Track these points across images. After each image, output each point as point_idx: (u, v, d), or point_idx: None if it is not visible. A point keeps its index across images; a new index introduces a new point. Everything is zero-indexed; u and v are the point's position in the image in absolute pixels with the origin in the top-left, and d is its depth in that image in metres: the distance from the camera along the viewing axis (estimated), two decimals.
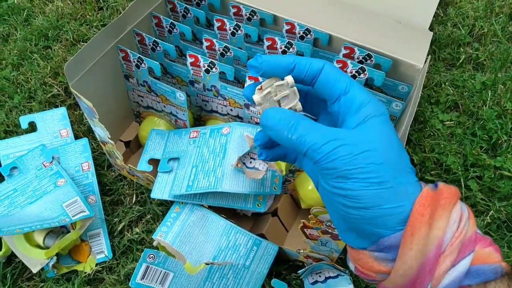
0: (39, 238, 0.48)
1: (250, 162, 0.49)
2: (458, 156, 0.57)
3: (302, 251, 0.45)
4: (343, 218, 0.26)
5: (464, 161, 0.56)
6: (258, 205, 0.48)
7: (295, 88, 0.28)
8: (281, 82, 0.27)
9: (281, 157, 0.32)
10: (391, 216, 0.24)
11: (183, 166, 0.49)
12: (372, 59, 0.49)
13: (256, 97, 0.28)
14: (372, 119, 0.26)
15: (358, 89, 0.27)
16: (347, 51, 0.50)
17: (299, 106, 0.28)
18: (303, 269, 0.46)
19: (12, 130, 0.62)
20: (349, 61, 0.48)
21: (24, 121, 0.59)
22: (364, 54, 0.49)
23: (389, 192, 0.24)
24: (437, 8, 0.74)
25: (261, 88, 0.28)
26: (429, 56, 0.49)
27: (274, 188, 0.47)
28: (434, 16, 0.70)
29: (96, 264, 0.50)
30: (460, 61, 0.67)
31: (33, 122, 0.59)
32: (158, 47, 0.52)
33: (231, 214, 0.52)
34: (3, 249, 0.49)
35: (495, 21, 0.72)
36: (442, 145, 0.58)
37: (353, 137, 0.25)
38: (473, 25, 0.72)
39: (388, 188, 0.24)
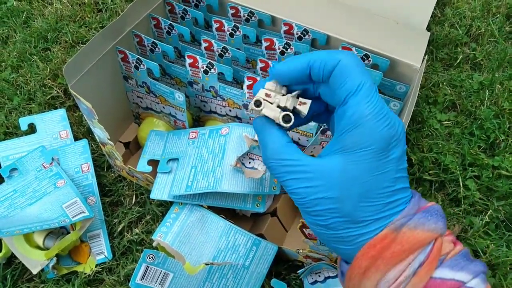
0: (39, 239, 0.48)
1: (249, 162, 0.49)
2: (456, 155, 0.57)
3: (301, 251, 0.45)
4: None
5: (462, 160, 0.57)
6: (257, 205, 0.48)
7: (290, 95, 0.27)
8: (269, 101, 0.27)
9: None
10: (340, 253, 0.25)
11: (182, 167, 0.50)
12: (369, 59, 0.49)
13: (250, 106, 0.28)
14: (349, 154, 0.23)
15: (357, 103, 0.23)
16: None
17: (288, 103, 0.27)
18: (303, 269, 0.46)
19: (11, 132, 0.62)
20: None
21: (23, 122, 0.59)
22: (362, 54, 0.49)
23: (335, 237, 0.24)
24: (435, 8, 0.74)
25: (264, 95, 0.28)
26: (427, 56, 0.49)
27: (273, 188, 0.47)
28: (431, 17, 0.71)
29: (96, 265, 0.50)
30: (458, 61, 0.68)
31: (32, 123, 0.59)
32: (157, 48, 0.52)
33: (230, 215, 0.52)
34: (3, 251, 0.49)
35: (492, 21, 0.72)
36: (440, 145, 0.58)
37: (315, 177, 0.24)
38: (470, 25, 0.72)
39: (333, 234, 0.24)
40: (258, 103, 0.27)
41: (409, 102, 0.44)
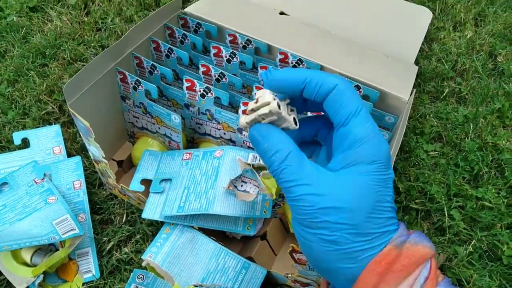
0: (26, 256, 0.48)
1: (242, 185, 0.50)
2: (442, 185, 0.59)
3: (290, 275, 0.46)
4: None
5: (447, 190, 0.59)
6: (248, 228, 0.49)
7: (283, 110, 0.26)
8: (266, 111, 0.25)
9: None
10: (340, 274, 0.24)
11: (175, 188, 0.50)
12: (360, 90, 0.51)
13: (242, 121, 0.27)
14: (358, 166, 0.24)
15: (359, 123, 0.24)
16: None
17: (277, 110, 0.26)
18: None
19: (4, 146, 0.62)
20: None
21: (17, 137, 0.59)
22: (353, 85, 0.52)
23: (340, 253, 0.23)
24: (423, 44, 0.77)
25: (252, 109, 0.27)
26: (415, 89, 0.52)
27: (264, 211, 0.48)
28: (419, 51, 0.74)
29: (83, 284, 0.49)
30: (444, 94, 0.71)
31: (26, 138, 0.60)
32: (155, 71, 0.53)
33: (220, 237, 0.53)
34: None
35: (476, 58, 0.76)
36: (426, 175, 0.60)
37: (324, 186, 0.24)
38: (456, 61, 0.76)
39: (338, 249, 0.23)
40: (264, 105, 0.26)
41: (397, 133, 0.46)
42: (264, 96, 0.26)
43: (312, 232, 0.24)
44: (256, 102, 0.26)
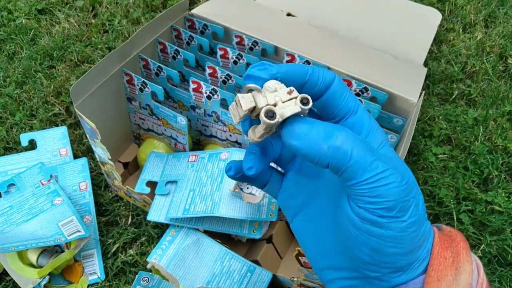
0: (32, 257, 0.48)
1: (247, 188, 0.49)
2: (451, 189, 0.58)
3: (295, 279, 0.45)
4: (358, 264, 0.22)
5: (456, 194, 0.58)
6: (253, 231, 0.48)
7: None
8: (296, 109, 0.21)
9: (249, 179, 0.28)
10: (416, 261, 0.21)
11: (181, 190, 0.50)
12: (368, 92, 0.51)
13: (258, 131, 0.22)
14: (385, 149, 0.23)
15: (365, 111, 0.24)
16: (345, 83, 0.51)
17: (305, 100, 0.22)
18: None
19: (12, 147, 0.62)
20: None
21: (24, 138, 0.59)
22: (361, 87, 0.51)
23: (421, 236, 0.21)
24: (432, 45, 0.76)
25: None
26: (423, 91, 0.51)
27: (270, 214, 0.47)
28: (428, 53, 0.73)
29: (88, 286, 0.49)
30: (453, 96, 0.70)
31: (33, 140, 0.60)
32: (162, 72, 0.53)
33: (226, 239, 0.52)
34: None
35: (486, 59, 0.75)
36: (435, 178, 0.59)
37: (392, 163, 0.20)
38: (466, 63, 0.75)
39: (421, 229, 0.21)
40: (271, 114, 0.21)
41: (405, 136, 0.45)
42: (282, 87, 0.22)
43: (398, 218, 0.20)
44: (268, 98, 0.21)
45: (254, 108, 0.22)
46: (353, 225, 0.21)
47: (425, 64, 0.73)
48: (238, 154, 0.50)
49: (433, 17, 0.75)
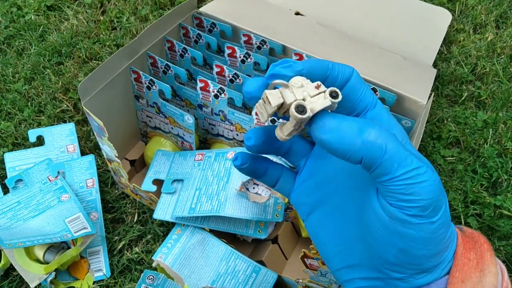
0: (39, 253, 0.48)
1: (253, 188, 0.49)
2: (459, 192, 0.57)
3: (301, 280, 0.45)
4: (381, 264, 0.21)
5: (464, 197, 0.57)
6: (259, 231, 0.48)
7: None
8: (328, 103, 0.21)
9: (257, 173, 0.27)
10: (442, 263, 0.20)
11: (187, 189, 0.50)
12: (377, 93, 0.50)
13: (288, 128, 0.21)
14: (407, 145, 0.22)
15: (383, 106, 0.23)
16: None
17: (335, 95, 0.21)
18: None
19: (20, 143, 0.62)
20: None
21: (32, 134, 0.60)
22: (370, 88, 0.50)
23: (448, 236, 0.20)
24: (441, 46, 0.76)
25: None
26: (433, 93, 0.50)
27: (276, 215, 0.47)
28: (438, 53, 0.72)
29: (94, 282, 0.50)
30: (463, 98, 0.69)
31: (41, 136, 0.60)
32: (169, 71, 0.53)
33: (231, 239, 0.52)
34: (2, 261, 0.49)
35: (496, 61, 0.74)
36: (443, 181, 0.58)
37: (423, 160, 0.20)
38: (476, 64, 0.74)
39: (449, 231, 0.20)
40: (301, 108, 0.20)
41: (414, 137, 0.45)
42: (309, 82, 0.21)
43: (430, 218, 0.19)
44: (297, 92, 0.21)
45: (282, 104, 0.21)
46: (382, 224, 0.20)
47: (434, 65, 0.72)
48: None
49: (443, 17, 0.74)
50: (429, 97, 0.50)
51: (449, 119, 0.66)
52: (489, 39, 0.78)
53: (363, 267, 0.23)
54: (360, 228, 0.22)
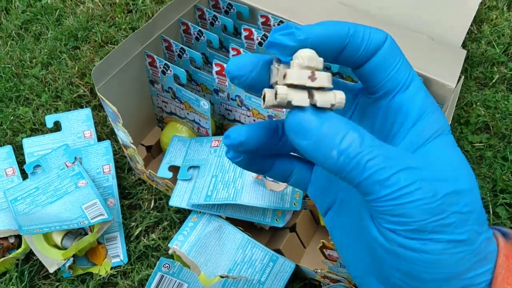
0: (57, 238, 0.48)
1: None
2: (487, 180, 0.55)
3: (319, 270, 0.44)
4: (391, 285, 0.18)
5: (493, 186, 0.54)
6: (276, 220, 0.47)
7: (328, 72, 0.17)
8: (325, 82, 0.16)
9: (259, 169, 0.22)
10: (471, 286, 0.17)
11: (203, 175, 0.49)
12: None
13: (270, 97, 0.16)
14: (440, 139, 0.18)
15: (420, 87, 0.19)
16: None
17: (339, 99, 0.16)
18: None
19: (37, 128, 0.63)
20: None
21: (49, 120, 0.60)
22: None
23: (473, 255, 0.17)
24: (471, 25, 0.71)
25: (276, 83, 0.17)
26: (462, 76, 0.47)
27: (294, 204, 0.46)
28: (467, 33, 0.68)
29: (111, 268, 0.50)
30: (493, 81, 0.65)
31: (58, 121, 0.60)
32: (184, 54, 0.52)
33: (248, 226, 0.51)
34: (23, 246, 0.49)
35: None
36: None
37: (433, 168, 0.17)
38: (509, 44, 0.69)
39: (472, 250, 0.17)
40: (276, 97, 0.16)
41: None
42: (316, 57, 0.17)
43: (439, 240, 0.16)
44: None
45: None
46: (379, 246, 0.17)
47: (463, 45, 0.68)
48: None
49: None
50: (459, 80, 0.47)
51: (478, 103, 0.62)
52: None
53: (377, 281, 0.19)
54: (364, 241, 0.19)
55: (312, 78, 0.16)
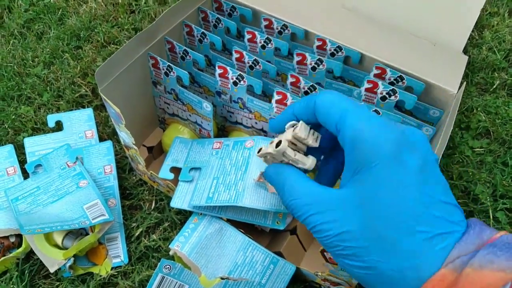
0: (58, 238, 0.48)
1: None
2: (487, 185, 0.55)
3: (320, 273, 0.44)
4: None
5: (493, 191, 0.54)
6: (277, 222, 0.47)
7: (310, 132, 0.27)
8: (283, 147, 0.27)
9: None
10: None
11: (204, 177, 0.49)
12: (404, 81, 0.48)
13: (264, 153, 0.31)
14: (372, 169, 0.20)
15: (349, 125, 0.22)
16: (379, 71, 0.49)
17: (310, 142, 0.27)
18: None
19: (39, 128, 0.63)
20: (380, 82, 0.47)
21: (51, 119, 0.60)
22: (396, 76, 0.48)
23: (380, 278, 0.20)
24: (473, 31, 0.72)
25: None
26: (464, 82, 0.47)
27: None
28: (468, 39, 0.69)
29: (112, 268, 0.50)
30: (494, 86, 0.65)
31: (60, 121, 0.60)
32: (187, 56, 0.52)
33: (248, 229, 0.51)
34: (23, 246, 0.49)
35: None
36: (471, 173, 0.56)
37: (332, 209, 0.21)
38: (510, 50, 0.70)
39: (377, 274, 0.20)
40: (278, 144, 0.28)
41: (443, 128, 0.43)
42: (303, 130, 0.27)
43: (345, 262, 0.21)
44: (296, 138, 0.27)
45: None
46: None
47: (465, 51, 0.69)
48: (263, 143, 0.49)
49: (476, 0, 0.69)
50: (460, 86, 0.47)
51: (479, 109, 0.62)
52: None
53: None
54: None
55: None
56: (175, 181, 0.50)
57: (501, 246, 0.18)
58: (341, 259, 0.21)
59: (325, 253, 0.41)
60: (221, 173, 0.48)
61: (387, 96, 0.47)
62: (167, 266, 0.43)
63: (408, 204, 0.19)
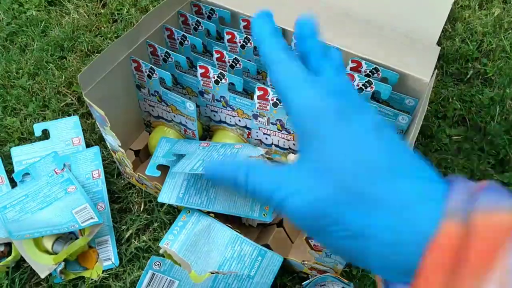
0: (48, 244, 0.49)
1: None
2: (465, 171, 0.57)
3: (306, 262, 0.45)
4: None
5: (471, 176, 0.56)
6: (264, 214, 0.48)
7: None
8: None
9: None
10: (390, 269, 0.17)
11: (190, 158, 0.49)
12: (379, 72, 0.50)
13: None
14: (320, 131, 0.18)
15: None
16: (354, 65, 0.50)
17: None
18: (308, 281, 0.46)
19: (26, 138, 0.63)
20: (356, 74, 0.48)
21: (37, 128, 0.60)
22: (371, 68, 0.50)
23: (373, 244, 0.17)
24: (445, 24, 0.74)
25: None
26: (437, 71, 0.49)
27: (264, 215, 0.47)
28: (442, 31, 0.71)
29: (103, 271, 0.50)
30: (468, 76, 0.68)
31: (46, 130, 0.61)
32: (169, 58, 0.53)
33: (237, 225, 0.52)
34: (13, 254, 0.50)
35: (504, 36, 0.72)
36: (449, 160, 0.58)
37: (293, 178, 0.19)
38: (482, 41, 0.72)
39: (366, 238, 0.17)
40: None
41: (417, 116, 0.44)
42: None
43: (324, 239, 0.18)
44: None
45: None
46: None
47: (439, 43, 0.71)
48: (251, 150, 0.49)
49: None
50: (433, 74, 0.49)
51: (454, 98, 0.65)
52: (495, 14, 0.76)
53: None
54: None
55: None
56: (162, 180, 0.51)
57: (496, 188, 0.16)
58: (322, 237, 0.18)
59: (309, 240, 0.42)
60: (208, 157, 0.48)
61: (363, 87, 0.49)
62: (157, 262, 0.44)
63: (373, 154, 0.17)
